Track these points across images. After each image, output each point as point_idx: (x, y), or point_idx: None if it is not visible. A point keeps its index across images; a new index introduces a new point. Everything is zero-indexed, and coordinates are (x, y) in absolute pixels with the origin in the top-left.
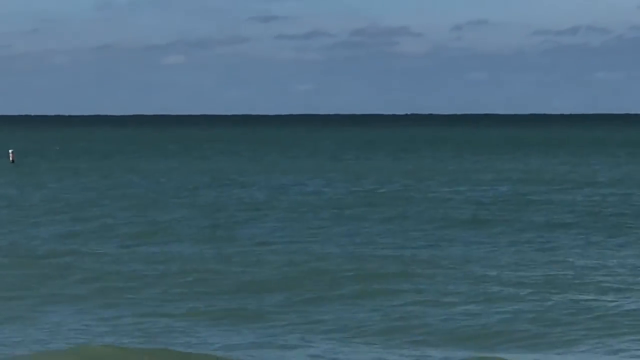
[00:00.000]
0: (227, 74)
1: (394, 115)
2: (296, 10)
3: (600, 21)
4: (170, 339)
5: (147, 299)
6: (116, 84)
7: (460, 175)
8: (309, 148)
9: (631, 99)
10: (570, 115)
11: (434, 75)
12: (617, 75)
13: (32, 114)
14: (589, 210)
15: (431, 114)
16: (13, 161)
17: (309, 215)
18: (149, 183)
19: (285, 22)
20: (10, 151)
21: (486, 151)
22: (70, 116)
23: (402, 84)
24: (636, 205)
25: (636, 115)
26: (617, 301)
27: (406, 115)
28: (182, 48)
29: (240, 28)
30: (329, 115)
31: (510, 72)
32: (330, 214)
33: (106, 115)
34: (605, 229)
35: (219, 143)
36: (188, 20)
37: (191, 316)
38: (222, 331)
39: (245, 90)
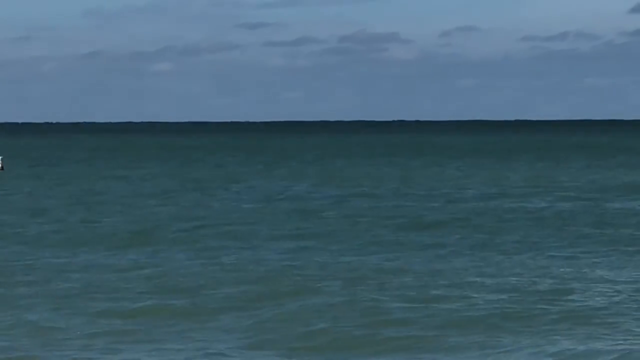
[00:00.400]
0: (216, 81)
1: (381, 122)
2: (284, 17)
3: (589, 27)
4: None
5: None
6: (105, 91)
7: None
8: (292, 155)
9: (620, 104)
10: (559, 121)
11: (423, 81)
12: (606, 81)
13: (20, 122)
14: (542, 216)
15: (419, 121)
16: (2, 168)
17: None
18: (116, 189)
19: (274, 28)
20: None
21: (472, 157)
22: (58, 123)
23: (391, 90)
24: (597, 212)
25: (625, 121)
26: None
27: (394, 121)
28: (171, 55)
29: (228, 35)
30: (317, 122)
31: (498, 78)
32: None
33: (95, 123)
34: (566, 236)
35: (200, 150)
36: (177, 28)
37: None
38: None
39: (234, 97)
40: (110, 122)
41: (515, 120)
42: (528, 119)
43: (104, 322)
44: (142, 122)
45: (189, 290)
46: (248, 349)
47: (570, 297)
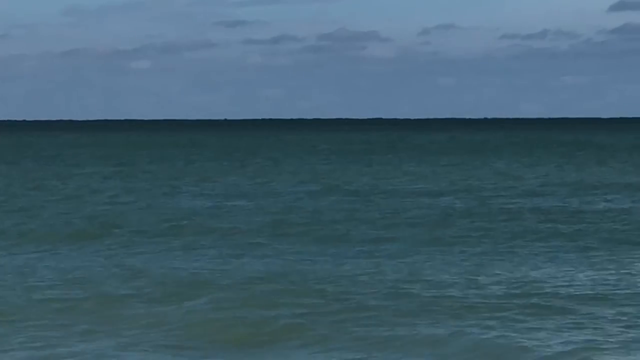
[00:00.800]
0: (195, 78)
1: (362, 120)
2: (263, 15)
3: (568, 25)
4: None
5: None
6: (84, 89)
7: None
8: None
9: (599, 102)
10: (539, 119)
11: (403, 79)
12: (585, 79)
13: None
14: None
15: (398, 119)
16: None
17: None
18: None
19: (253, 27)
20: None
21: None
22: (37, 121)
23: (371, 88)
24: (565, 209)
25: (603, 119)
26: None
27: (374, 119)
28: (150, 53)
29: (207, 33)
30: (297, 119)
31: (478, 76)
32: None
33: (74, 120)
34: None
35: (175, 147)
36: (155, 26)
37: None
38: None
39: (213, 95)
40: (89, 120)
41: (495, 118)
42: (508, 116)
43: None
44: (120, 120)
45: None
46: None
47: (525, 291)
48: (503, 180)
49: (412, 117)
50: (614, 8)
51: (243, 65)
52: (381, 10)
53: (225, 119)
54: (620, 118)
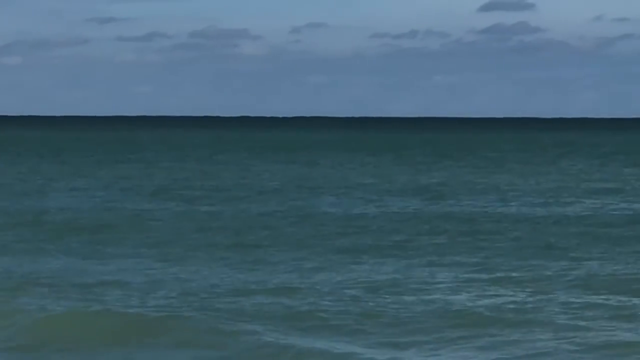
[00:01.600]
0: (67, 75)
1: (231, 118)
2: (135, 12)
3: (439, 25)
4: None
5: None
6: None
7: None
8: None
9: (468, 102)
10: (409, 118)
11: (274, 77)
12: (455, 79)
13: None
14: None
15: (268, 117)
16: None
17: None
18: None
19: (124, 23)
20: None
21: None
22: None
23: (242, 86)
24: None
25: (473, 119)
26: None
27: (244, 117)
28: (21, 49)
29: (79, 29)
30: (169, 117)
31: (349, 75)
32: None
33: None
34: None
35: (40, 143)
36: (26, 22)
37: None
38: None
39: (85, 91)
40: None
41: (365, 117)
42: (377, 115)
43: None
44: None
45: None
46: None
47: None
48: (299, 180)
49: (284, 115)
50: (483, 8)
51: (115, 62)
52: (252, 8)
53: (97, 116)
54: (490, 118)
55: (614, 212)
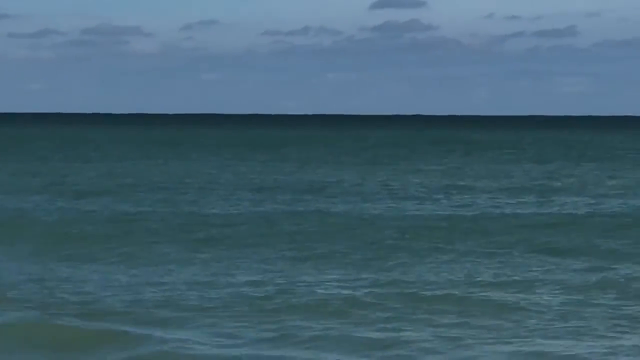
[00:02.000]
0: None
1: (124, 115)
2: (26, 9)
3: (331, 22)
4: None
5: None
6: None
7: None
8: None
9: (361, 99)
10: (302, 115)
11: (167, 74)
12: (347, 76)
13: None
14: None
15: (161, 114)
16: None
17: None
18: None
19: (16, 20)
20: None
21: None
22: None
23: (135, 83)
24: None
25: (366, 116)
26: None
27: (139, 114)
28: None
29: None
30: (61, 113)
31: (241, 72)
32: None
33: None
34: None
35: None
36: None
37: None
38: None
39: None
40: None
41: (257, 114)
42: (270, 112)
43: None
44: None
45: None
46: None
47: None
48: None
49: (177, 112)
50: (375, 6)
51: (7, 58)
52: (144, 5)
53: None
54: (381, 115)
55: (458, 209)
